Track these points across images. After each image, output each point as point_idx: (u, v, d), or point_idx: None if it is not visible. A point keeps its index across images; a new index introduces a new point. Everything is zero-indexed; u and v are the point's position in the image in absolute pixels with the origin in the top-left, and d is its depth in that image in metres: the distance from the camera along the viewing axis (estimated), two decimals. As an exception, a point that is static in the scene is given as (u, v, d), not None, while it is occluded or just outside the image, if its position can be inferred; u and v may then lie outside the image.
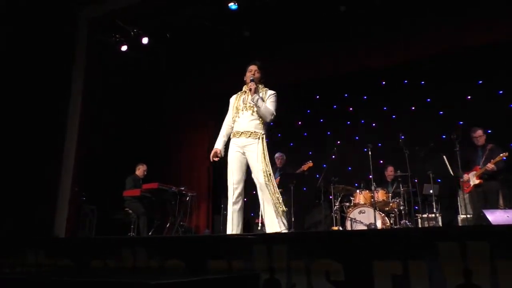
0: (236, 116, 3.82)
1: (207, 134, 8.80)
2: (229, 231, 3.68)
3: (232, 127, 3.86)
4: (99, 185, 7.03)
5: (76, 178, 6.36)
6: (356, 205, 6.23)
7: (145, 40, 7.47)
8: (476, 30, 6.48)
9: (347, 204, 6.47)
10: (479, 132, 5.70)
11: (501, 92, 6.83)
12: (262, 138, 3.71)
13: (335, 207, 6.49)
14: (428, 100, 7.42)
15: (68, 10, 6.76)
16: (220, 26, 7.22)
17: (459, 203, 6.19)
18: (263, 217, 3.67)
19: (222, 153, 3.90)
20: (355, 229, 5.87)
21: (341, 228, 6.26)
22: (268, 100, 3.81)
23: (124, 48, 7.58)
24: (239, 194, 3.74)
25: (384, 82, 7.84)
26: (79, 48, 6.96)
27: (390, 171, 6.84)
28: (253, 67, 3.96)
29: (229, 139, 3.89)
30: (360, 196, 6.34)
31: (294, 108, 8.46)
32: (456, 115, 6.94)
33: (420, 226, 6.14)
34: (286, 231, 3.56)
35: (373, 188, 6.11)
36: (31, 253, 3.29)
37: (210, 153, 3.92)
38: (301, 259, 2.22)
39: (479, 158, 5.57)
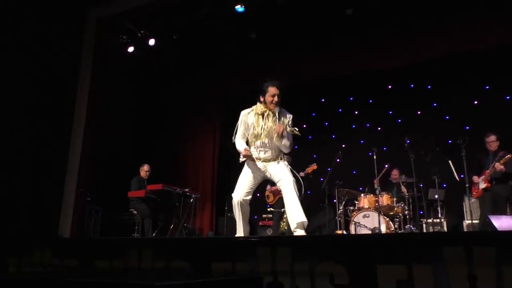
0: (253, 141, 3.71)
1: (212, 136, 8.83)
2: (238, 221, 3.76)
3: (248, 146, 3.75)
4: (104, 186, 7.06)
5: (81, 178, 6.39)
6: (360, 209, 6.21)
7: (151, 42, 7.51)
8: (483, 34, 6.44)
9: (351, 208, 6.46)
10: (493, 137, 5.64)
11: (508, 97, 6.79)
12: (282, 158, 3.73)
13: (339, 210, 6.47)
14: (434, 104, 7.39)
15: (77, 10, 6.81)
16: (227, 27, 7.25)
17: (464, 209, 6.15)
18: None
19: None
20: (359, 233, 5.85)
21: (345, 232, 6.24)
22: (287, 129, 3.68)
23: (131, 49, 7.63)
24: (244, 202, 3.74)
25: (390, 86, 7.82)
26: (86, 48, 7.00)
27: (394, 174, 6.81)
28: (275, 91, 3.66)
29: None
30: (365, 200, 6.32)
31: (299, 111, 8.43)
32: (462, 120, 6.91)
33: (425, 231, 6.11)
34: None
35: (377, 192, 6.09)
36: (37, 253, 3.31)
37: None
38: (305, 262, 2.22)
39: (489, 163, 5.53)
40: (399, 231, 6.02)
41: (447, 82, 7.13)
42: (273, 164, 3.68)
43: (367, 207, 6.20)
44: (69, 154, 6.50)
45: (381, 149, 6.79)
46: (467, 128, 6.84)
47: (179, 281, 1.64)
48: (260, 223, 7.49)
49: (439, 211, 6.06)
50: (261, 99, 3.74)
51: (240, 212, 3.73)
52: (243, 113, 3.86)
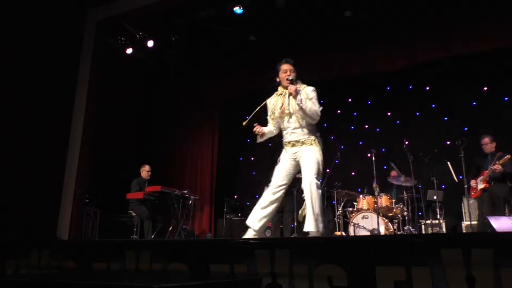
0: (279, 123, 3.67)
1: (211, 137, 8.82)
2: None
3: (275, 132, 3.71)
4: (103, 188, 7.05)
5: (79, 180, 6.38)
6: (359, 210, 6.21)
7: (150, 43, 7.51)
8: (481, 36, 6.45)
9: (350, 209, 6.45)
10: (486, 139, 5.68)
11: (506, 98, 6.80)
12: (315, 142, 3.56)
13: (338, 212, 6.47)
14: (433, 105, 7.40)
15: (76, 11, 6.82)
16: (226, 29, 7.25)
17: (463, 210, 6.16)
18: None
19: (265, 132, 3.69)
20: (358, 234, 5.85)
21: (344, 233, 6.24)
22: (310, 98, 3.58)
23: (129, 51, 7.63)
24: (276, 200, 3.62)
25: (388, 87, 7.82)
26: (85, 49, 7.01)
27: (393, 175, 6.81)
28: (287, 67, 3.68)
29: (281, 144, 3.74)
30: (364, 201, 6.32)
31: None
32: (461, 121, 6.92)
33: (423, 232, 6.11)
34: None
35: (376, 193, 6.09)
36: (35, 255, 3.30)
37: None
38: (304, 264, 2.21)
39: (487, 164, 5.54)
40: (398, 232, 6.02)
41: (445, 84, 7.14)
42: (304, 150, 3.53)
43: (366, 208, 6.20)
44: (67, 156, 6.50)
45: (380, 151, 6.79)
46: (466, 129, 6.85)
47: (177, 283, 1.64)
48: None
49: (438, 212, 6.06)
50: (277, 80, 3.74)
51: (266, 203, 3.59)
52: (267, 100, 3.83)
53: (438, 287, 1.95)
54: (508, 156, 5.33)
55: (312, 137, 3.57)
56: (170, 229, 6.60)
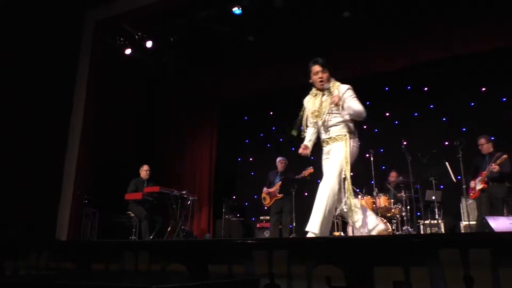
0: (316, 124, 3.65)
1: (210, 138, 8.83)
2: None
3: (315, 133, 3.71)
4: (102, 188, 7.04)
5: (78, 181, 6.38)
6: (358, 211, 6.20)
7: (149, 44, 7.51)
8: (480, 36, 6.47)
9: (349, 209, 6.44)
10: (482, 140, 5.70)
11: (504, 99, 6.82)
12: (345, 138, 3.48)
13: (337, 212, 6.46)
14: (431, 106, 7.41)
15: (75, 12, 6.82)
16: (226, 29, 7.26)
17: (461, 210, 6.17)
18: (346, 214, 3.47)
19: (310, 148, 3.70)
20: (357, 235, 5.85)
21: (342, 234, 6.24)
22: (349, 99, 3.50)
23: (128, 51, 7.63)
24: (337, 200, 3.49)
25: (387, 88, 7.83)
26: (84, 50, 7.01)
27: (392, 176, 6.83)
28: (317, 68, 3.59)
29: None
30: (362, 202, 6.31)
31: (297, 113, 8.46)
32: (459, 121, 6.93)
33: (422, 232, 6.12)
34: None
35: (374, 193, 6.10)
36: (34, 256, 3.29)
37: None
38: (302, 264, 2.21)
39: (485, 164, 5.56)
40: (397, 233, 6.03)
41: (443, 84, 7.16)
42: (335, 147, 3.49)
43: (364, 208, 6.20)
44: (66, 156, 6.49)
45: (378, 151, 6.79)
46: (464, 129, 6.86)
47: (175, 283, 1.64)
48: (258, 225, 7.49)
49: (436, 212, 6.07)
50: (310, 81, 3.70)
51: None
52: (304, 100, 3.82)
53: (437, 287, 1.95)
54: (505, 156, 5.35)
55: (345, 133, 3.51)
56: (168, 229, 6.60)
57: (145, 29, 7.44)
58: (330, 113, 3.52)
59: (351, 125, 3.55)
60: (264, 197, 6.94)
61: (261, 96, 8.55)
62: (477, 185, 5.59)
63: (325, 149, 3.61)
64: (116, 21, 7.14)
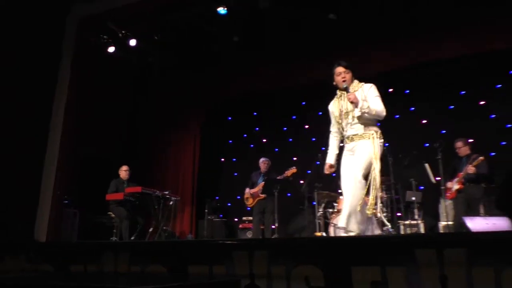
0: (340, 126, 3.73)
1: (193, 138, 8.79)
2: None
3: (341, 136, 3.80)
4: (83, 189, 6.94)
5: (58, 181, 6.28)
6: (339, 211, 6.25)
7: (132, 42, 7.44)
8: (458, 41, 6.62)
9: (331, 210, 6.50)
10: (458, 143, 5.83)
11: (482, 102, 6.98)
12: (372, 136, 3.56)
13: (319, 213, 6.51)
14: (412, 108, 7.53)
15: (58, 9, 6.71)
16: (210, 29, 7.23)
17: (440, 210, 6.28)
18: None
19: (335, 166, 3.81)
20: (338, 235, 5.90)
21: (324, 234, 6.29)
22: (371, 97, 3.60)
23: (111, 49, 7.52)
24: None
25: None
26: (67, 47, 6.91)
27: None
28: (340, 69, 3.73)
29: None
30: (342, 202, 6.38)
31: (280, 114, 8.51)
32: (439, 124, 7.06)
33: (402, 232, 6.21)
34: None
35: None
36: (12, 258, 3.23)
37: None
38: (282, 265, 2.23)
39: (462, 166, 5.68)
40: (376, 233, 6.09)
41: (424, 87, 7.28)
42: (360, 145, 3.56)
43: (346, 209, 6.25)
44: (46, 155, 6.38)
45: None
46: (443, 132, 6.98)
47: (154, 285, 1.63)
48: (240, 226, 7.49)
49: (416, 212, 6.16)
50: (334, 83, 3.80)
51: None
52: (329, 106, 3.92)
53: (413, 286, 1.99)
54: (481, 158, 5.47)
55: (371, 131, 3.59)
56: (150, 230, 6.55)
57: (130, 27, 7.35)
58: (352, 114, 3.62)
59: (374, 122, 3.65)
60: (247, 198, 6.95)
61: (245, 97, 8.56)
62: (454, 185, 5.71)
63: (349, 145, 3.67)
64: (100, 18, 7.06)
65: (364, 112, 3.52)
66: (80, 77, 6.78)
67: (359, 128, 3.60)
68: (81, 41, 6.90)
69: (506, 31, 6.24)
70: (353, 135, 3.62)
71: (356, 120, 3.60)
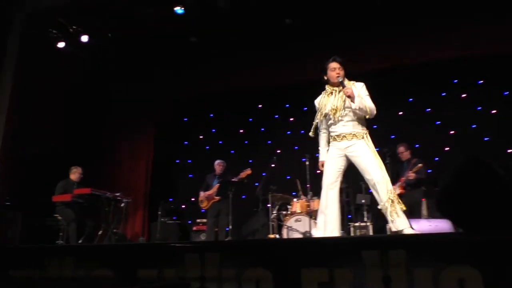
0: (330, 121, 3.67)
1: (147, 139, 8.61)
2: (320, 234, 3.51)
3: (329, 132, 3.72)
4: (27, 189, 6.58)
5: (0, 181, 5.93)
6: (292, 214, 6.36)
7: (84, 38, 7.18)
8: (409, 51, 6.97)
9: (284, 212, 6.59)
10: (401, 148, 6.17)
11: (428, 109, 7.36)
12: (366, 136, 3.60)
13: (273, 215, 6.58)
14: (363, 115, 7.80)
15: (2, 2, 6.37)
16: (167, 30, 7.12)
17: (388, 213, 6.52)
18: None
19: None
20: (291, 237, 5.99)
21: (277, 236, 6.36)
22: (364, 95, 3.64)
23: (61, 44, 7.21)
24: (333, 199, 3.55)
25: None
26: (12, 41, 6.56)
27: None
28: (335, 65, 3.67)
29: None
30: (297, 205, 6.47)
31: (236, 116, 8.53)
32: (388, 129, 7.35)
33: (352, 234, 6.40)
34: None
35: (309, 196, 6.29)
36: None
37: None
38: (233, 267, 2.23)
39: (404, 170, 5.97)
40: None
41: (374, 94, 7.55)
42: (357, 145, 3.54)
43: (299, 211, 6.36)
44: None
45: (314, 156, 7.00)
46: (393, 137, 7.29)
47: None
48: (194, 228, 7.41)
49: (366, 215, 6.38)
50: (325, 78, 3.73)
51: (326, 204, 3.52)
52: (316, 101, 3.86)
53: (358, 287, 2.05)
54: (420, 166, 5.81)
55: (363, 131, 3.63)
56: (100, 233, 6.33)
57: (81, 23, 7.09)
58: (347, 108, 3.60)
59: (365, 122, 3.70)
60: (202, 200, 6.89)
61: (202, 97, 8.51)
62: (396, 190, 5.99)
63: (340, 144, 3.63)
64: (50, 12, 6.76)
65: (359, 108, 3.54)
66: (26, 75, 6.44)
67: (351, 127, 3.62)
68: (28, 36, 6.58)
69: (450, 42, 6.65)
70: (345, 133, 3.62)
71: (347, 118, 3.61)
